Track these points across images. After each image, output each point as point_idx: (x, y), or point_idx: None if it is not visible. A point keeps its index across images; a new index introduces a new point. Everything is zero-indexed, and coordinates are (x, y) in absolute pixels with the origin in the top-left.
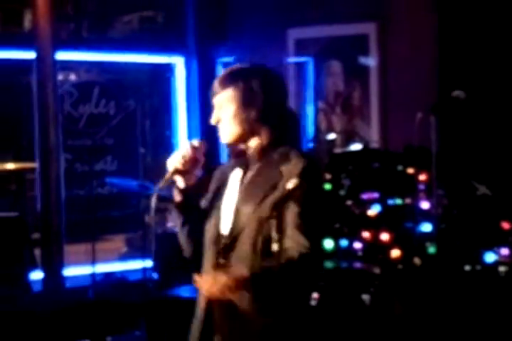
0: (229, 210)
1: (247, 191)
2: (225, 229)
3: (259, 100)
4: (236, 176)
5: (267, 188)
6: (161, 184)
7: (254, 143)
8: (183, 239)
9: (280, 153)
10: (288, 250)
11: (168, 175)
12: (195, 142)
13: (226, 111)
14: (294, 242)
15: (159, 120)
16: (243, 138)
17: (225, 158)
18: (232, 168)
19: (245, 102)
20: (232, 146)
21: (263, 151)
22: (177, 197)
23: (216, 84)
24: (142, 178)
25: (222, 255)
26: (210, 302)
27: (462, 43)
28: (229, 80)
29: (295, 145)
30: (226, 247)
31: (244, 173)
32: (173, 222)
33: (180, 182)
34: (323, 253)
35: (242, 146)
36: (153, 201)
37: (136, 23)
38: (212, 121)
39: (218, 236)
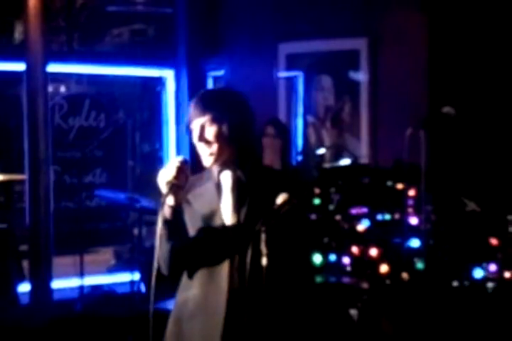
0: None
1: (238, 206)
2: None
3: (237, 121)
4: (227, 187)
5: (257, 203)
6: (163, 201)
7: (224, 160)
8: (164, 254)
9: (264, 171)
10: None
11: (167, 192)
12: (182, 158)
13: (209, 132)
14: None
15: (149, 133)
16: (224, 157)
17: None
18: (203, 181)
19: (228, 124)
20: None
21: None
22: (168, 215)
23: (196, 108)
24: (131, 191)
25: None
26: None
27: (453, 59)
28: (210, 104)
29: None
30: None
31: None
32: (157, 237)
33: (171, 200)
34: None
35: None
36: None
37: (127, 36)
38: (196, 139)
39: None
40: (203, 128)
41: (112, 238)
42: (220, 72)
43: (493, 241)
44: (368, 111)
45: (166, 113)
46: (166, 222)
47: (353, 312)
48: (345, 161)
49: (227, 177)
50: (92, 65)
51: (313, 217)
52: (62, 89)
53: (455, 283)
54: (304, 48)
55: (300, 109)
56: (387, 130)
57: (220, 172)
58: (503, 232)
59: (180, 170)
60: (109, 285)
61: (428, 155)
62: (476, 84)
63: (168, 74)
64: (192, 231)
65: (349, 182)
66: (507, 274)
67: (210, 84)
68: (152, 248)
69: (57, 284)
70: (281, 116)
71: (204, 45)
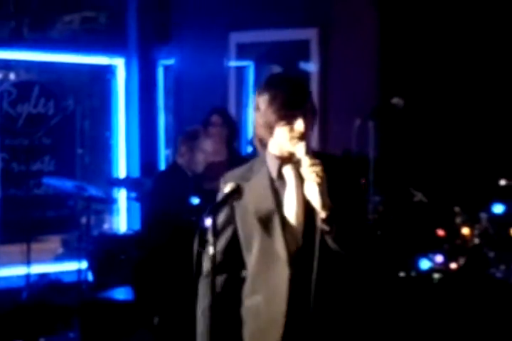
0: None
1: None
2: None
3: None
4: (290, 179)
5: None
6: None
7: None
8: None
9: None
10: None
11: None
12: None
13: (306, 123)
14: None
15: (98, 121)
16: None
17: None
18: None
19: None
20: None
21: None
22: None
23: (301, 95)
24: (79, 179)
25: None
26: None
27: (403, 50)
28: (305, 94)
29: None
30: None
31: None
32: None
33: None
34: None
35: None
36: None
37: (77, 23)
38: (303, 128)
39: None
40: (302, 119)
41: (59, 226)
42: (171, 61)
43: (440, 232)
44: (317, 101)
45: (116, 101)
46: None
47: None
48: None
49: (289, 173)
50: (42, 52)
51: None
52: (11, 76)
53: (401, 274)
54: (255, 38)
55: (250, 99)
56: (336, 120)
57: (281, 166)
58: (450, 223)
59: None
60: (56, 274)
61: (376, 146)
62: (425, 76)
63: (118, 62)
64: (243, 225)
65: None
66: (453, 265)
67: (160, 73)
68: (100, 237)
69: (3, 272)
70: (231, 105)
71: (155, 34)
